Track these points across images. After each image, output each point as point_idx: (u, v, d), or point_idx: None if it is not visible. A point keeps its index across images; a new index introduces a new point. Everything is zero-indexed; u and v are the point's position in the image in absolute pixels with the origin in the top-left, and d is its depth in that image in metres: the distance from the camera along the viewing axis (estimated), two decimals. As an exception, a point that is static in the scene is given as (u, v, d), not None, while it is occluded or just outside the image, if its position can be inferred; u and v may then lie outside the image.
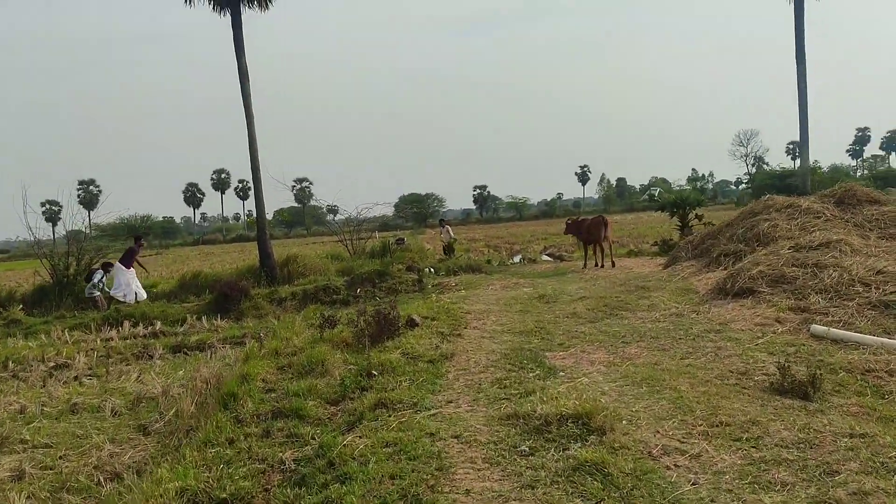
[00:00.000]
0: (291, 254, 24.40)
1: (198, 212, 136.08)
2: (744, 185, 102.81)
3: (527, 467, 4.92)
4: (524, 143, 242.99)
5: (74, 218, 23.91)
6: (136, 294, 19.18)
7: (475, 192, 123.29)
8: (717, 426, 5.46)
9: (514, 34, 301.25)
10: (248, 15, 23.66)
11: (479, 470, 4.94)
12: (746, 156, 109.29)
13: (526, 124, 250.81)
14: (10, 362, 12.13)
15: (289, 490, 5.07)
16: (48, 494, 6.22)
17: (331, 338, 9.86)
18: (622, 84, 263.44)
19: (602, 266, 18.78)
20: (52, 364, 11.92)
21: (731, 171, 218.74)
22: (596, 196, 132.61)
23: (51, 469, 6.83)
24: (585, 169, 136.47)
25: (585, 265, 19.44)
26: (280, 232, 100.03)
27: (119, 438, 7.57)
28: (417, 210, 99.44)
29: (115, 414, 8.58)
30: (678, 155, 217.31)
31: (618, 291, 12.98)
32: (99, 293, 19.03)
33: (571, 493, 4.48)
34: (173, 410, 7.71)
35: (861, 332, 8.13)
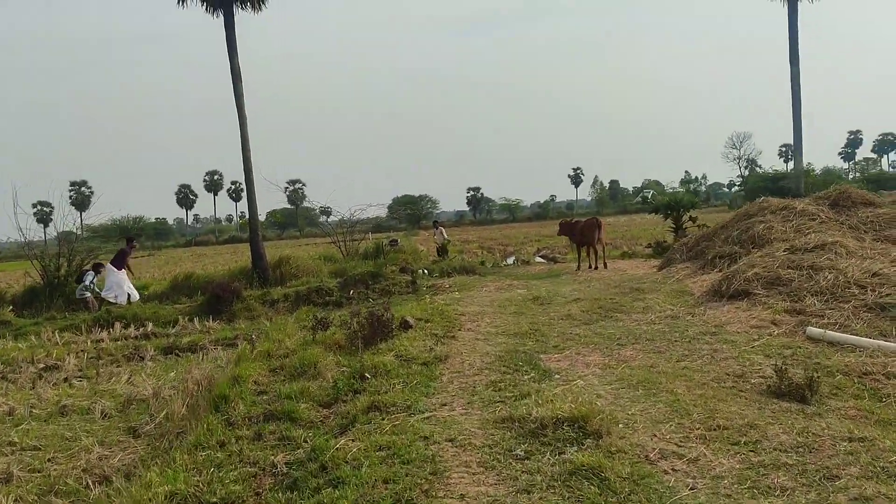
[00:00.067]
0: (284, 255, 24.29)
1: (190, 213, 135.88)
2: (737, 188, 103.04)
3: (522, 471, 4.85)
4: (518, 144, 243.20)
5: (66, 219, 23.75)
6: (128, 295, 19.04)
7: (469, 194, 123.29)
8: (714, 430, 5.40)
9: (510, 35, 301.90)
10: (242, 16, 23.59)
11: (473, 474, 4.86)
12: (739, 158, 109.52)
13: (520, 126, 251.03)
14: (0, 364, 11.99)
15: (280, 494, 4.98)
16: (36, 497, 6.11)
17: (323, 340, 9.77)
18: (616, 86, 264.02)
19: (596, 268, 18.74)
20: (41, 365, 11.78)
21: (724, 173, 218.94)
22: (589, 198, 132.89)
23: (39, 472, 6.72)
24: (578, 171, 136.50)
25: (579, 267, 19.39)
26: (273, 233, 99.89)
27: (109, 441, 7.46)
28: (411, 211, 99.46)
29: (105, 416, 8.47)
30: (671, 157, 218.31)
31: (612, 293, 12.93)
32: (90, 294, 18.89)
33: (568, 498, 4.41)
34: (164, 413, 7.60)
35: (857, 335, 8.09)
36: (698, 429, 5.45)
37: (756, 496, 4.32)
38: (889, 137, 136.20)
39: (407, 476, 4.86)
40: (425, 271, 21.47)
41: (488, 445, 5.35)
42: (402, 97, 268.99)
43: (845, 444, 5.01)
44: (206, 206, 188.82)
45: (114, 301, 18.55)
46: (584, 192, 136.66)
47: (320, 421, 6.69)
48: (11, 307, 18.95)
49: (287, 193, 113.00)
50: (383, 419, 6.14)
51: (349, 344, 9.39)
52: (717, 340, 8.50)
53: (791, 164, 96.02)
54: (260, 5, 23.73)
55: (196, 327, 15.51)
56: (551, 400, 6.18)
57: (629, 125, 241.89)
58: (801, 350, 7.82)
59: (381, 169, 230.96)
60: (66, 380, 10.74)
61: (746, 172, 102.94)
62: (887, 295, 9.14)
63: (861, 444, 5.00)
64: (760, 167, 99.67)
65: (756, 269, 10.91)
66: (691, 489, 4.45)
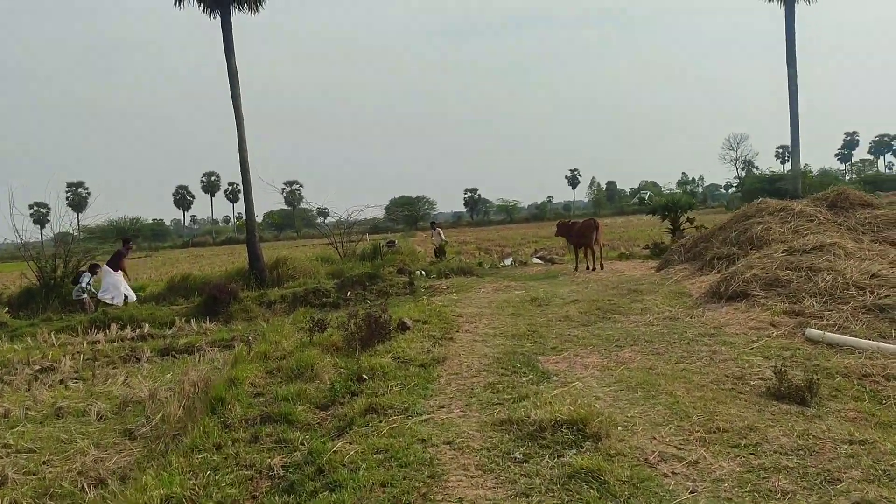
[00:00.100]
0: (281, 256, 24.24)
1: (187, 214, 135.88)
2: (734, 189, 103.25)
3: (521, 475, 4.80)
4: (515, 145, 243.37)
5: (62, 220, 23.71)
6: (125, 296, 18.97)
7: (466, 195, 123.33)
8: (714, 432, 5.37)
9: (507, 39, 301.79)
10: (239, 17, 23.56)
11: (472, 477, 4.82)
12: (736, 160, 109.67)
13: (517, 127, 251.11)
14: (-5, 365, 11.95)
15: (277, 498, 4.96)
16: (31, 501, 6.08)
17: (320, 341, 9.74)
18: (613, 87, 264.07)
19: (594, 269, 18.71)
20: (37, 367, 11.73)
21: (721, 174, 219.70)
22: (586, 199, 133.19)
23: (34, 474, 6.67)
24: (576, 172, 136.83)
25: (577, 268, 19.35)
26: (270, 234, 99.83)
27: (104, 443, 7.42)
28: (408, 213, 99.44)
29: (101, 418, 8.42)
30: (668, 159, 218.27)
31: (610, 295, 12.90)
32: (86, 296, 18.83)
33: (567, 502, 4.37)
34: (160, 415, 7.59)
35: (857, 337, 8.06)
36: (698, 431, 5.41)
37: (757, 500, 4.28)
38: (885, 139, 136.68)
39: (405, 479, 4.82)
40: (423, 272, 21.43)
41: (486, 448, 5.30)
42: (399, 99, 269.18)
43: (846, 446, 4.97)
44: (204, 208, 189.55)
45: (110, 302, 18.49)
46: (582, 194, 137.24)
47: (317, 423, 6.67)
48: (7, 308, 18.89)
49: (284, 194, 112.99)
50: (381, 421, 6.10)
51: (346, 346, 9.35)
52: (715, 342, 8.47)
53: (787, 166, 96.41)
54: (257, 6, 23.69)
55: (193, 329, 15.47)
56: (550, 402, 6.14)
57: (626, 126, 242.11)
58: (800, 352, 7.78)
59: (375, 170, 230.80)
60: (61, 381, 10.69)
61: (743, 174, 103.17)
62: (886, 296, 9.11)
63: (862, 446, 4.96)
64: (757, 168, 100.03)
65: (754, 271, 10.89)
66: (691, 492, 4.41)
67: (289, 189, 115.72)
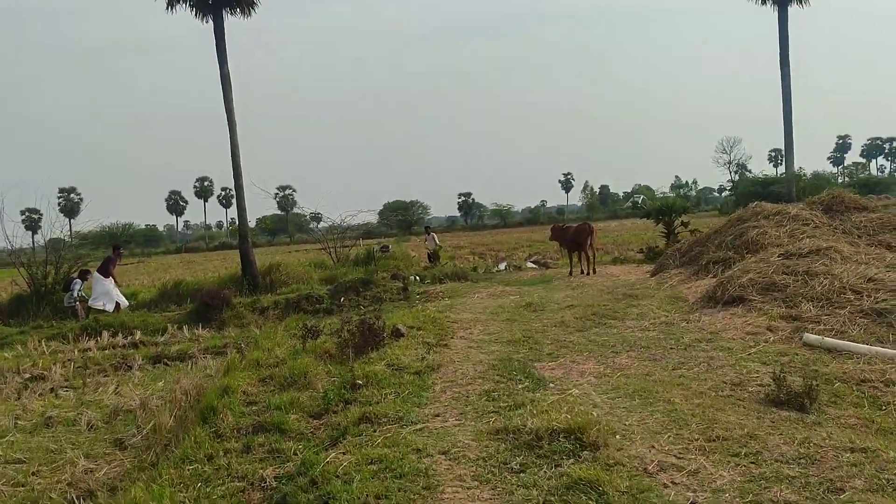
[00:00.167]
0: (274, 262, 24.18)
1: (180, 220, 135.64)
2: (727, 193, 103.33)
3: (518, 485, 4.72)
4: (508, 150, 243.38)
5: (53, 226, 23.61)
6: (116, 303, 18.84)
7: (460, 200, 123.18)
8: (713, 440, 5.29)
9: (502, 43, 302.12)
10: (232, 21, 23.50)
11: (468, 488, 4.74)
12: (729, 163, 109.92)
13: (510, 131, 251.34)
14: (-15, 374, 11.82)
15: (269, 510, 4.86)
16: (19, 513, 5.98)
17: (314, 349, 9.65)
18: (606, 91, 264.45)
19: (588, 273, 18.64)
20: (27, 375, 11.62)
21: (715, 178, 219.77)
22: (580, 203, 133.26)
23: (23, 486, 6.58)
24: (569, 176, 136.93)
25: (571, 273, 19.29)
26: (263, 240, 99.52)
27: (94, 453, 7.32)
28: (402, 217, 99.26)
29: (91, 428, 8.32)
30: (661, 162, 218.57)
31: (606, 300, 12.82)
32: (77, 302, 18.70)
33: (566, 514, 4.29)
34: (151, 424, 7.46)
35: (854, 341, 8.00)
36: (697, 439, 5.33)
37: (759, 510, 4.20)
38: (877, 142, 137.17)
39: (399, 491, 4.73)
40: (417, 278, 21.37)
41: (483, 458, 5.22)
42: (393, 102, 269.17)
43: (848, 454, 4.89)
44: (197, 213, 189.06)
45: (102, 308, 18.37)
46: (575, 198, 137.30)
47: (311, 432, 6.55)
48: (-2, 316, 18.76)
49: (277, 199, 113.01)
50: (375, 431, 6.01)
51: (340, 353, 9.26)
52: (713, 348, 8.40)
53: (780, 169, 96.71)
54: (249, 10, 23.67)
55: (185, 335, 15.38)
56: (546, 410, 6.07)
57: (619, 130, 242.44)
58: (798, 357, 7.72)
59: (368, 175, 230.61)
60: (52, 390, 10.59)
61: (737, 177, 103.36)
62: (883, 300, 9.05)
63: (864, 454, 4.88)
64: (750, 172, 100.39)
65: (751, 275, 10.83)
66: (692, 503, 4.33)
67: (282, 194, 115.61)
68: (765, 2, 32.07)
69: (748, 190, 60.20)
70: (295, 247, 71.86)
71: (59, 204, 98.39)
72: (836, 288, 9.66)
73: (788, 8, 31.66)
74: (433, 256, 27.07)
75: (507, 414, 6.19)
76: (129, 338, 15.10)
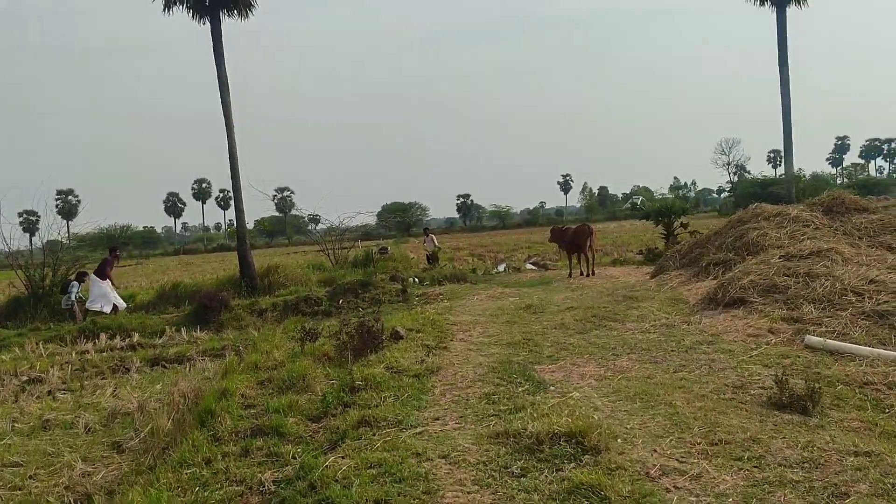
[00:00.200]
0: (272, 264, 24.12)
1: (179, 222, 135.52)
2: (726, 194, 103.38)
3: (519, 490, 4.66)
4: (507, 151, 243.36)
5: (50, 228, 23.56)
6: (114, 305, 18.76)
7: (458, 201, 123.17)
8: (716, 444, 5.23)
9: (499, 45, 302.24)
10: (229, 24, 23.47)
11: (468, 493, 4.68)
12: (728, 164, 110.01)
13: (509, 133, 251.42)
14: (-18, 377, 11.75)
15: (268, 515, 4.80)
16: (16, 517, 5.92)
17: (312, 351, 9.59)
18: (604, 93, 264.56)
19: (588, 275, 18.61)
20: (24, 378, 11.54)
21: (714, 179, 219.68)
22: (578, 204, 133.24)
23: (20, 489, 6.50)
24: (568, 178, 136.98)
25: (571, 274, 19.27)
26: (261, 241, 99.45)
27: (92, 457, 7.25)
28: (401, 219, 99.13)
29: (89, 430, 8.25)
30: (660, 163, 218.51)
31: (606, 301, 12.77)
32: (75, 304, 18.63)
33: (567, 519, 4.24)
34: (149, 427, 7.39)
35: (857, 343, 7.96)
36: (700, 443, 5.27)
37: (763, 515, 4.15)
38: (876, 143, 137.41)
39: (399, 496, 4.67)
40: (416, 280, 21.32)
41: (483, 462, 5.16)
42: (391, 104, 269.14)
43: (852, 458, 4.85)
44: (195, 215, 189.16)
45: (99, 310, 18.30)
46: (574, 199, 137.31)
47: (309, 436, 6.49)
48: (-5, 318, 18.70)
49: (275, 201, 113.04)
50: (374, 434, 5.95)
51: (338, 355, 9.20)
52: (714, 350, 8.35)
53: (779, 170, 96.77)
54: (247, 12, 23.63)
55: (183, 338, 15.32)
56: (547, 413, 6.01)
57: (618, 132, 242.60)
58: (799, 359, 7.68)
59: (367, 176, 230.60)
60: (49, 393, 10.52)
61: (735, 178, 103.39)
62: (885, 302, 9.01)
63: (868, 458, 4.84)
64: (749, 173, 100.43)
65: (751, 277, 10.78)
66: (695, 508, 4.29)
67: (280, 196, 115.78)
68: (763, 3, 32.08)
69: (747, 191, 60.23)
70: (293, 248, 71.83)
71: (56, 206, 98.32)
72: (838, 290, 9.62)
73: (787, 9, 31.66)
74: (432, 258, 27.03)
75: (508, 417, 6.13)
76: (126, 340, 15.03)
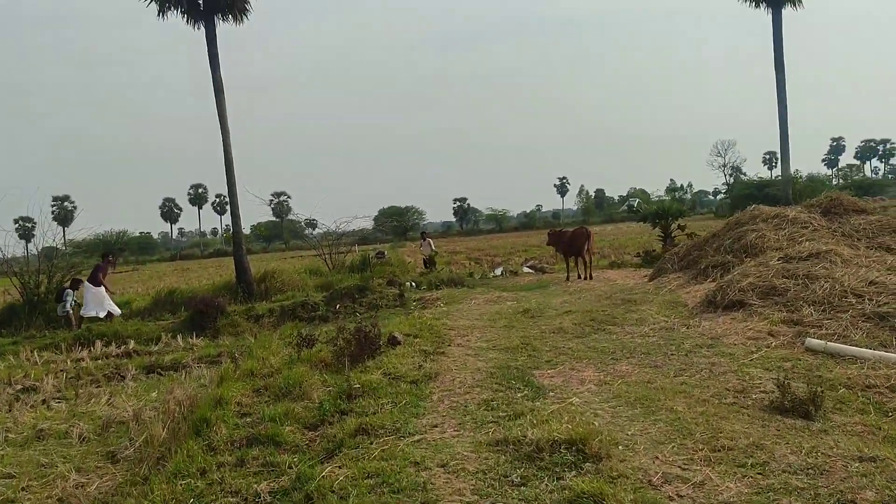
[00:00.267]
0: (269, 269, 24.04)
1: (175, 227, 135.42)
2: (722, 196, 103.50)
3: (519, 500, 4.57)
4: (503, 154, 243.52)
5: (46, 235, 23.37)
6: (108, 312, 18.65)
7: (455, 205, 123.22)
8: (719, 450, 5.15)
9: (496, 48, 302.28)
10: (224, 28, 23.38)
11: (467, 503, 4.59)
12: (724, 166, 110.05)
13: (505, 136, 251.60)
14: (-24, 386, 11.64)
15: (263, 528, 4.71)
16: (7, 531, 5.83)
17: (309, 357, 9.49)
18: (601, 95, 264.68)
19: (586, 278, 18.55)
20: (19, 387, 11.43)
21: (710, 181, 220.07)
22: (575, 207, 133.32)
23: (12, 502, 6.40)
24: (564, 180, 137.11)
25: (568, 278, 19.21)
26: (258, 246, 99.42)
27: (86, 467, 7.14)
28: (397, 223, 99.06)
29: (83, 440, 8.14)
30: (656, 166, 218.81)
31: (604, 305, 12.70)
32: (70, 311, 18.52)
33: (569, 529, 4.16)
34: (144, 436, 7.30)
35: (857, 346, 7.89)
36: (702, 450, 5.19)
37: (768, 524, 4.07)
38: (871, 144, 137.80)
39: (397, 506, 4.59)
40: (413, 284, 21.26)
41: (482, 471, 5.07)
42: (387, 108, 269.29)
43: (857, 464, 4.77)
44: (191, 220, 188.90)
45: (95, 316, 18.19)
46: (571, 202, 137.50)
47: (306, 445, 6.40)
48: (-11, 326, 18.57)
49: (272, 206, 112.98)
50: (371, 443, 5.86)
51: (336, 361, 9.11)
52: (714, 353, 8.28)
53: (775, 172, 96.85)
54: (242, 17, 23.56)
55: (179, 344, 15.22)
56: (547, 420, 5.94)
57: (614, 134, 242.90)
58: (800, 362, 7.61)
59: (363, 181, 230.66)
60: (44, 402, 10.40)
61: (731, 180, 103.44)
62: (885, 304, 8.95)
63: (873, 464, 4.76)
64: (745, 174, 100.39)
65: (750, 279, 10.72)
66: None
67: (277, 200, 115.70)
68: (759, 4, 32.08)
69: (743, 193, 60.21)
70: (290, 253, 71.77)
71: (52, 212, 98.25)
72: (838, 291, 9.56)
73: (782, 10, 31.66)
74: (429, 262, 26.96)
75: (507, 424, 6.05)
76: (122, 347, 14.94)
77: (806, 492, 4.41)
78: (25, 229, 69.20)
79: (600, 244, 34.26)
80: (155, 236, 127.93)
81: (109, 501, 5.94)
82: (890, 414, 5.98)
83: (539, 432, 5.55)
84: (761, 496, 4.40)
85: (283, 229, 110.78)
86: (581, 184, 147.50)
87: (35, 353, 14.68)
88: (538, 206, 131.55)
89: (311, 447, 6.29)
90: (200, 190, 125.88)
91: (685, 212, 27.92)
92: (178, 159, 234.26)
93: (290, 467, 5.73)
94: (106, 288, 18.91)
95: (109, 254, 21.57)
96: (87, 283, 18.77)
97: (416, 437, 5.95)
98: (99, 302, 18.40)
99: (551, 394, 7.05)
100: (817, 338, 8.25)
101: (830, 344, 7.93)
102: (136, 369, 12.41)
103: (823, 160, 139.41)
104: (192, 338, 15.81)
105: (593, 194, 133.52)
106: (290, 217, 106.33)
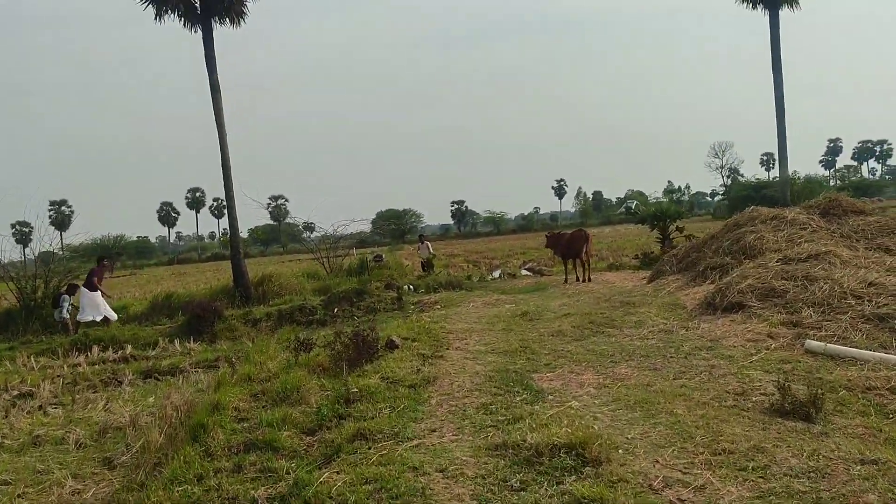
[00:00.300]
0: (266, 273, 23.99)
1: (173, 231, 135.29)
2: (720, 197, 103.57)
3: (519, 505, 4.54)
4: (501, 157, 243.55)
5: (43, 240, 23.31)
6: (104, 316, 18.57)
7: (453, 207, 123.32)
8: (719, 454, 5.12)
9: (494, 50, 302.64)
10: (221, 31, 23.33)
11: (467, 509, 4.55)
12: (722, 167, 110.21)
13: (502, 138, 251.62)
14: (-28, 392, 11.58)
15: (261, 534, 4.66)
16: (3, 538, 5.79)
17: (306, 362, 9.44)
18: (599, 97, 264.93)
19: (584, 280, 18.52)
20: (15, 393, 11.37)
21: (707, 182, 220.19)
22: (573, 209, 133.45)
23: (8, 509, 6.38)
24: (562, 183, 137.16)
25: (566, 280, 19.17)
26: (256, 250, 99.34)
27: (82, 473, 7.11)
28: (395, 226, 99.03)
29: (80, 446, 8.11)
30: (654, 167, 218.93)
31: (603, 307, 12.67)
32: (68, 316, 18.46)
33: (569, 535, 4.11)
34: (140, 442, 7.25)
35: (857, 347, 7.86)
36: (702, 453, 5.15)
37: (770, 529, 4.04)
38: (868, 145, 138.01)
39: (396, 513, 4.54)
40: (411, 287, 21.21)
41: (481, 476, 5.03)
42: (385, 111, 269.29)
43: (858, 467, 4.74)
44: (189, 224, 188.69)
45: (91, 320, 18.13)
46: (568, 204, 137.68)
47: (304, 450, 6.35)
48: (-14, 331, 18.50)
49: (270, 209, 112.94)
50: (369, 448, 5.81)
51: (333, 366, 9.05)
52: (713, 356, 8.24)
53: (773, 173, 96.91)
54: (239, 20, 23.49)
55: (176, 349, 15.17)
56: (546, 424, 5.89)
57: (611, 136, 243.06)
58: (800, 364, 7.57)
59: (368, 178, 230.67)
60: (40, 408, 10.36)
61: (729, 181, 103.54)
62: (885, 305, 8.92)
63: (875, 467, 4.73)
64: (742, 176, 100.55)
65: (749, 281, 10.68)
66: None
67: (274, 204, 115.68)
68: (756, 5, 32.07)
69: (741, 194, 60.30)
70: (288, 257, 71.66)
71: (49, 217, 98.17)
72: (837, 293, 9.53)
73: (780, 11, 31.65)
74: (427, 265, 26.92)
75: (506, 428, 6.00)
76: (119, 352, 14.88)
77: (808, 495, 4.37)
78: (23, 234, 69.22)
79: (598, 246, 34.26)
80: (152, 240, 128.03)
81: (106, 508, 5.90)
82: (891, 416, 5.95)
83: (538, 436, 5.51)
84: (763, 500, 4.36)
85: (280, 233, 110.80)
86: (579, 186, 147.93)
87: (32, 359, 14.65)
88: (536, 208, 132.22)
89: (309, 452, 6.24)
90: (198, 194, 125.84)
91: (683, 213, 27.88)
92: (178, 159, 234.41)
93: (288, 473, 5.68)
94: (102, 292, 18.84)
95: (105, 258, 21.48)
96: (82, 287, 18.69)
97: (415, 442, 5.90)
98: (95, 306, 18.32)
99: (550, 397, 7.01)
100: (817, 339, 8.22)
101: (830, 346, 7.90)
102: (133, 374, 12.37)
103: (821, 161, 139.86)
104: (189, 342, 15.76)
105: (591, 196, 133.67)
106: (288, 220, 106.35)
